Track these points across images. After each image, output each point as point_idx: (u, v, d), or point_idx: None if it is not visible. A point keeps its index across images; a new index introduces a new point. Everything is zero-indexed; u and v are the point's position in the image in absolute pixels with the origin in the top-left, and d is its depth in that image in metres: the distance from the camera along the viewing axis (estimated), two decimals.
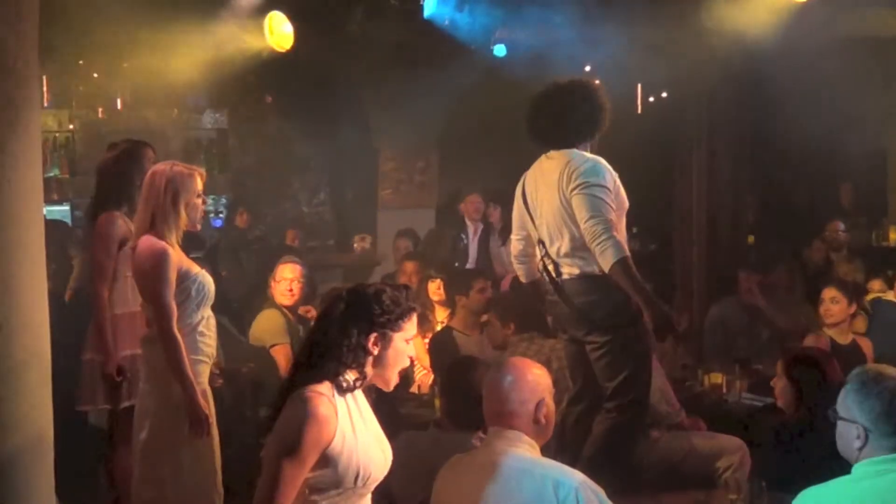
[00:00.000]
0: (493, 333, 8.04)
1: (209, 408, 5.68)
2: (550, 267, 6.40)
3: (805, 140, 11.66)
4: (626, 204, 6.34)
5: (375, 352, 3.87)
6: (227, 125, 15.41)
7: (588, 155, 6.31)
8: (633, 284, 5.98)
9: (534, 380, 4.54)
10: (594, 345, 6.31)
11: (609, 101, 6.43)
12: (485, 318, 8.63)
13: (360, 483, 3.82)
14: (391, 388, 4.03)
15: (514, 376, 4.52)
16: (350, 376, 3.84)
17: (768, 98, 11.45)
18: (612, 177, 6.21)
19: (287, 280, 8.62)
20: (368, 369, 3.88)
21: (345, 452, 3.75)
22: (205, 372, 5.78)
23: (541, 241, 6.47)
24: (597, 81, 6.52)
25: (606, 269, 6.01)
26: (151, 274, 5.57)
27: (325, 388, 3.78)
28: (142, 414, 5.75)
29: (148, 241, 5.61)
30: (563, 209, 6.24)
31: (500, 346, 7.86)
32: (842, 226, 11.67)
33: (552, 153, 6.38)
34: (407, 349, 3.97)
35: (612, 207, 6.10)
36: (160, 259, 5.56)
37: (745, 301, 9.62)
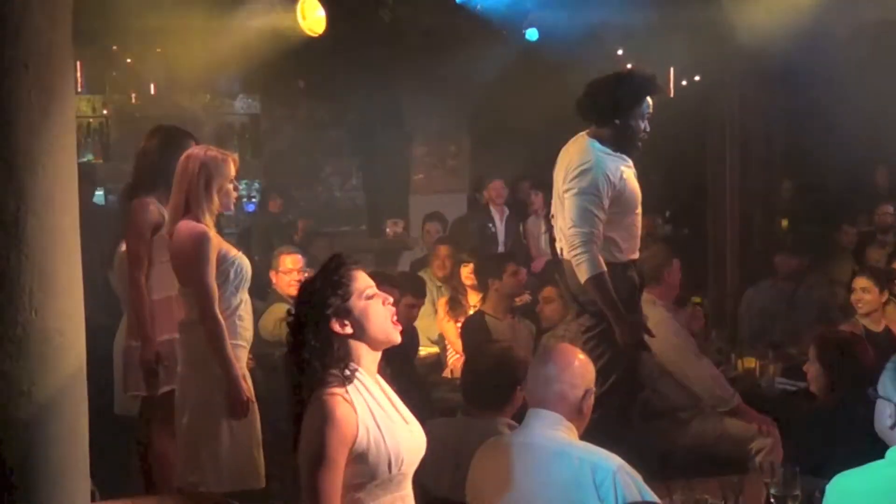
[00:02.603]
0: (550, 310, 8.08)
1: (250, 390, 5.71)
2: (557, 245, 6.50)
3: (839, 122, 11.60)
4: (637, 199, 6.41)
5: (348, 329, 3.78)
6: (260, 110, 15.40)
7: (595, 153, 6.29)
8: (604, 300, 6.12)
9: (582, 367, 4.56)
10: (581, 328, 6.39)
11: (647, 89, 6.43)
12: (522, 299, 8.68)
13: (394, 470, 3.77)
14: (397, 339, 3.92)
15: (567, 360, 4.54)
16: (336, 372, 3.75)
17: (802, 80, 11.39)
18: (611, 182, 6.23)
19: (292, 271, 8.64)
20: (355, 351, 3.81)
21: (372, 444, 3.69)
22: (243, 356, 5.82)
23: (553, 217, 6.57)
24: (648, 72, 6.50)
25: (581, 282, 6.13)
26: (193, 256, 5.60)
27: (338, 385, 3.72)
28: (182, 399, 5.79)
29: (187, 225, 5.64)
30: (560, 197, 6.35)
31: (551, 326, 7.93)
32: (891, 208, 11.54)
33: (578, 135, 6.42)
34: (375, 305, 3.84)
35: (599, 217, 6.16)
36: (201, 241, 5.59)
37: (781, 285, 9.58)
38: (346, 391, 3.72)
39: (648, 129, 6.41)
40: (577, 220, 6.14)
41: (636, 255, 6.50)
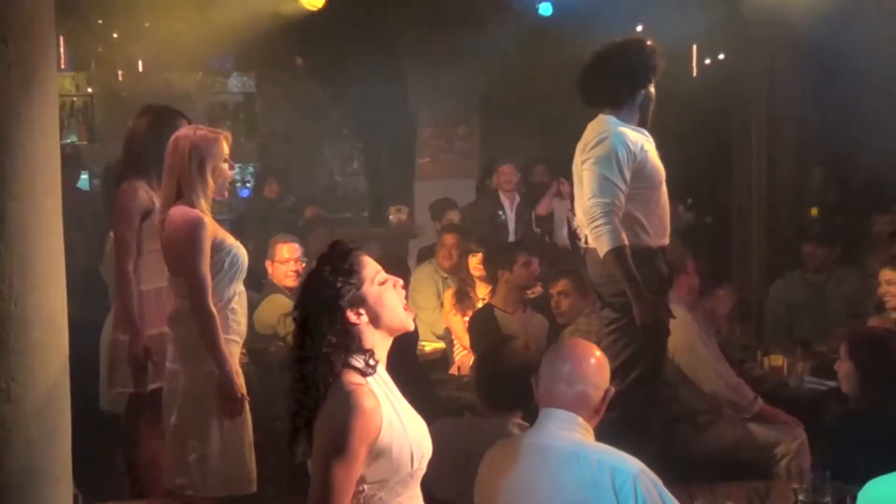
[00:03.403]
0: (567, 305, 8.05)
1: (243, 387, 5.69)
2: (579, 233, 6.51)
3: (872, 107, 11.57)
4: (660, 176, 6.40)
5: (363, 319, 3.80)
6: (255, 89, 15.45)
7: (613, 125, 6.31)
8: (625, 275, 6.07)
9: (603, 365, 4.55)
10: (604, 321, 6.42)
11: (659, 59, 6.45)
12: (535, 292, 8.67)
13: (416, 464, 3.80)
14: (411, 325, 3.95)
15: (588, 358, 4.52)
16: (358, 357, 3.77)
17: (836, 59, 11.36)
18: (631, 152, 6.22)
19: (289, 261, 8.64)
20: (371, 340, 3.82)
21: (395, 438, 3.71)
22: (236, 352, 5.79)
23: (573, 207, 6.59)
24: (648, 42, 6.49)
25: (601, 255, 6.10)
26: (186, 244, 5.56)
27: (358, 377, 3.73)
28: (171, 396, 5.75)
29: (181, 211, 5.60)
30: (580, 177, 6.36)
31: (567, 322, 7.92)
32: None
33: (599, 117, 6.42)
34: (387, 290, 3.86)
35: (619, 188, 6.13)
36: (196, 228, 5.55)
37: (810, 277, 9.55)
38: (367, 382, 3.74)
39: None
40: (596, 190, 6.13)
41: (665, 242, 6.47)
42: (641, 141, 6.31)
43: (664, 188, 6.43)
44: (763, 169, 11.72)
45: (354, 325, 3.78)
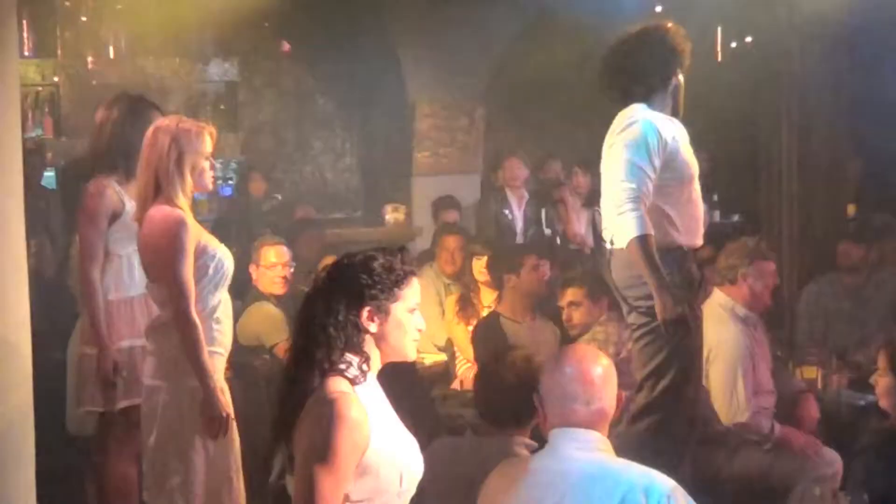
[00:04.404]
0: (580, 316, 8.03)
1: (228, 405, 5.68)
2: (605, 233, 6.53)
3: None
4: (692, 170, 6.43)
5: (373, 328, 3.86)
6: (238, 77, 15.40)
7: (644, 112, 6.36)
8: (649, 265, 6.09)
9: (612, 371, 4.52)
10: (632, 326, 6.44)
11: (686, 44, 6.49)
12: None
13: (404, 485, 3.83)
14: (412, 356, 4.03)
15: (598, 370, 4.47)
16: (352, 359, 3.83)
17: (873, 43, 11.34)
18: (663, 140, 6.25)
19: (276, 266, 8.62)
20: (369, 349, 3.87)
21: (385, 455, 3.74)
22: (221, 365, 5.79)
23: (600, 205, 6.62)
24: (669, 24, 6.50)
25: (625, 243, 6.13)
26: (167, 247, 5.54)
27: (345, 384, 3.77)
28: (150, 414, 5.72)
29: (161, 211, 5.59)
30: (607, 168, 6.41)
31: (581, 332, 7.91)
32: None
33: (630, 105, 6.46)
34: (413, 320, 3.96)
35: (648, 175, 6.17)
36: (178, 229, 5.54)
37: (846, 280, 9.53)
38: (354, 392, 3.76)
39: None
40: (623, 176, 6.17)
41: (698, 243, 6.52)
42: (673, 130, 6.35)
43: (697, 185, 6.47)
44: (794, 162, 11.73)
45: (364, 325, 3.84)
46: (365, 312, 3.83)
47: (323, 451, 3.64)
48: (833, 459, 6.84)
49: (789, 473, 6.86)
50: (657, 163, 6.18)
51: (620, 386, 4.52)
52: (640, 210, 6.09)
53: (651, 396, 6.27)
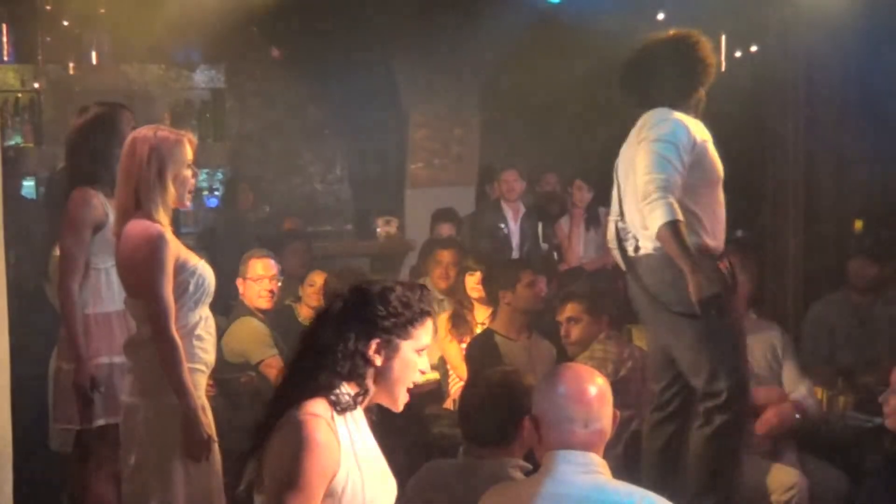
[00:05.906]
0: (579, 332, 8.02)
1: (210, 425, 5.68)
2: (627, 242, 6.60)
3: None
4: (720, 173, 6.58)
5: (378, 361, 3.88)
6: (225, 84, 15.38)
7: (672, 112, 6.48)
8: (680, 250, 6.17)
9: (608, 389, 4.50)
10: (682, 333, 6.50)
11: (714, 58, 6.68)
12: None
13: None
14: (399, 407, 4.05)
15: (594, 389, 4.42)
16: (348, 390, 3.84)
17: (883, 54, 11.36)
18: (691, 139, 6.37)
19: (263, 279, 8.62)
20: (370, 382, 3.88)
21: (349, 487, 3.74)
22: (202, 383, 5.78)
23: (620, 213, 6.67)
24: (701, 36, 6.60)
25: (654, 231, 6.21)
26: (146, 263, 5.53)
27: (322, 408, 3.78)
28: (129, 434, 5.71)
29: (140, 225, 5.57)
30: (624, 191, 6.54)
31: (580, 349, 7.92)
32: None
33: (655, 108, 6.57)
34: (418, 361, 3.99)
35: (676, 167, 6.27)
36: (157, 245, 5.52)
37: (854, 298, 9.53)
38: (332, 417, 3.77)
39: None
40: (652, 167, 6.27)
41: (721, 247, 6.61)
42: (702, 132, 6.49)
43: (721, 190, 6.60)
44: (801, 175, 11.73)
45: (365, 357, 3.86)
46: (373, 344, 3.85)
47: (291, 474, 3.66)
48: (794, 482, 6.98)
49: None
50: (686, 159, 6.32)
51: (617, 405, 4.51)
52: (669, 198, 6.17)
53: (716, 403, 6.39)
